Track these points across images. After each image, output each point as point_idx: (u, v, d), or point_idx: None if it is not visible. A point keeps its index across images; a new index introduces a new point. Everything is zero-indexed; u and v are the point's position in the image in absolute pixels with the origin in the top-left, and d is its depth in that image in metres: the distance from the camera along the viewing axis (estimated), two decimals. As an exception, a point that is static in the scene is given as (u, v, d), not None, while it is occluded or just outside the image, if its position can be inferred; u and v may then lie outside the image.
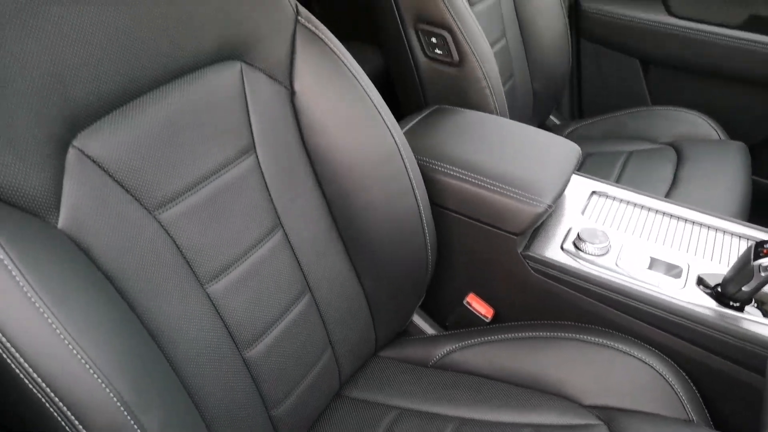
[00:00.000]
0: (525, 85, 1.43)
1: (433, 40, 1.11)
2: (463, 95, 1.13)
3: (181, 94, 0.61)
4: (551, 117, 1.75)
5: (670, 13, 1.51)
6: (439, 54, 1.12)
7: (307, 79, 0.73)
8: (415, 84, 1.19)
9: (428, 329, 1.01)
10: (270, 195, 0.70)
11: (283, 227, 0.71)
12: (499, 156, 0.91)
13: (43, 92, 0.49)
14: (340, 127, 0.75)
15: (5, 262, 0.44)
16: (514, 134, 0.97)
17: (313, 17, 0.75)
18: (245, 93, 0.67)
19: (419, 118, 1.04)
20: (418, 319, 1.01)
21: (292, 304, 0.72)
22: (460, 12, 1.08)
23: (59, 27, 0.50)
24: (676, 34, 1.49)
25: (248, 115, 0.68)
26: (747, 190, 1.21)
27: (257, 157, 0.69)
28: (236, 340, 0.65)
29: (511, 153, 0.92)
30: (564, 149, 0.94)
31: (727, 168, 1.24)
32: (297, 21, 0.73)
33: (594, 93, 1.71)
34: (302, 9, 0.75)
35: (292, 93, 0.72)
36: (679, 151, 1.33)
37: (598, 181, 1.01)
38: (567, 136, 1.52)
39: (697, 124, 1.43)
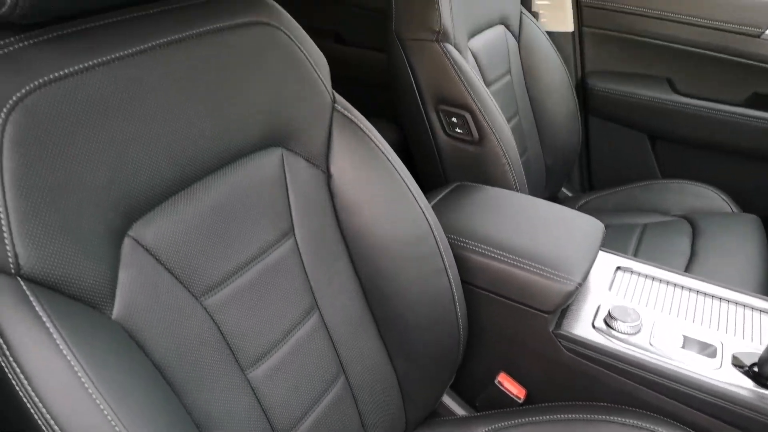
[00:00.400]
0: (537, 159, 1.47)
1: (454, 119, 1.14)
2: (483, 172, 1.16)
3: (226, 181, 0.63)
4: (563, 189, 1.78)
5: (675, 91, 1.56)
6: (460, 133, 1.15)
7: (343, 163, 0.75)
8: (435, 161, 1.22)
9: (458, 410, 0.98)
10: (307, 276, 0.70)
11: (319, 309, 0.71)
12: (526, 233, 0.92)
13: (104, 188, 0.51)
14: (375, 208, 0.76)
15: (68, 358, 0.43)
16: (538, 211, 0.98)
17: (346, 102, 0.78)
18: (285, 177, 0.69)
19: (442, 195, 1.06)
20: (447, 399, 0.99)
21: (328, 387, 0.71)
22: (479, 93, 1.12)
23: (123, 129, 0.52)
24: (682, 111, 1.54)
25: (288, 198, 0.69)
26: (765, 264, 1.21)
27: (296, 239, 0.70)
28: (274, 428, 0.64)
29: (538, 230, 0.93)
30: (588, 225, 0.95)
31: (743, 241, 1.24)
32: (333, 108, 0.76)
33: (604, 166, 1.74)
34: (337, 96, 0.78)
35: (328, 176, 0.74)
36: (693, 223, 1.34)
37: (621, 256, 1.02)
38: (579, 209, 1.55)
39: (708, 197, 1.45)
